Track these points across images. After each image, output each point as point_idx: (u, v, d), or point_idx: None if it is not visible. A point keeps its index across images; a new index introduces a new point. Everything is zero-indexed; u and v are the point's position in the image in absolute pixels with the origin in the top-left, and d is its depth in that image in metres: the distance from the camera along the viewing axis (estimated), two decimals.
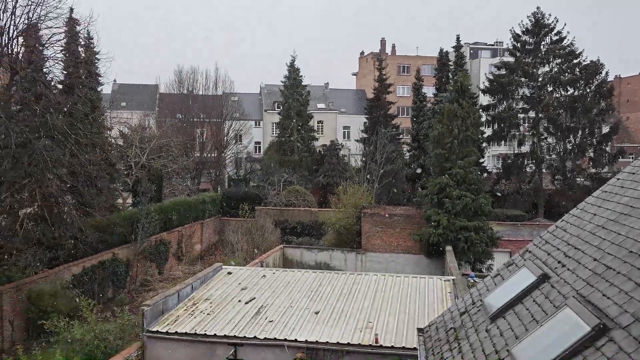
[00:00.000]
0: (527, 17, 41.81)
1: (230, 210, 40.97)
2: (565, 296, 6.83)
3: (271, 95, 66.47)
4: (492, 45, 78.31)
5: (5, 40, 19.49)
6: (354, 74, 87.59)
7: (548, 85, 41.60)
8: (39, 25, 20.63)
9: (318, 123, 61.99)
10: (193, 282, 17.26)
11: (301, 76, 50.59)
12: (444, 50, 43.97)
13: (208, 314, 15.00)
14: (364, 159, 42.75)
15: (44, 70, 22.54)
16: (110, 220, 27.34)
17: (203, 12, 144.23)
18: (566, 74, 40.73)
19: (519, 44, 42.47)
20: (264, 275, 18.73)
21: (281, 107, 52.18)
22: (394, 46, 79.10)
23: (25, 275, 20.97)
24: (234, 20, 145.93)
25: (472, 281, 20.86)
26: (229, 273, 18.92)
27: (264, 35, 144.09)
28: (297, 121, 49.93)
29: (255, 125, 64.88)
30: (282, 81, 51.13)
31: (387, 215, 31.28)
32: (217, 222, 40.52)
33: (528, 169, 43.07)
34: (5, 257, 21.20)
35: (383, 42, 78.36)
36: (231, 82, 59.87)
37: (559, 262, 8.01)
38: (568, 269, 7.53)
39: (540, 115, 41.47)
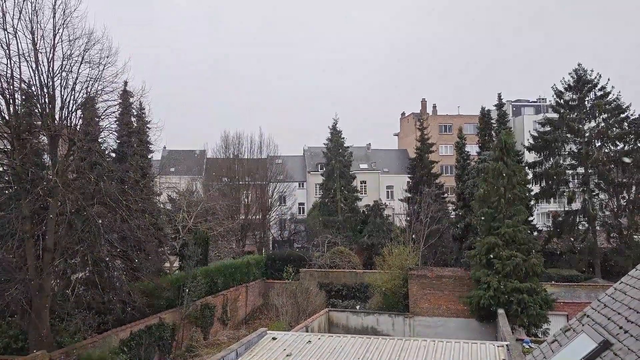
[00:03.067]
0: (569, 73, 41.48)
1: (274, 272, 40.82)
2: None
3: (314, 157, 67.53)
4: (534, 102, 77.98)
5: (65, 113, 20.70)
6: (395, 135, 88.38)
7: (596, 141, 40.66)
8: (96, 98, 21.84)
9: (361, 183, 62.31)
10: (238, 347, 17.07)
11: (343, 138, 51.42)
12: (486, 109, 43.96)
13: None
14: (408, 218, 42.29)
15: (99, 140, 23.70)
16: (158, 285, 27.63)
17: (245, 83, 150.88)
18: (614, 128, 39.81)
19: (562, 101, 42.00)
20: (309, 341, 18.35)
21: (324, 169, 52.80)
22: (434, 106, 79.75)
23: (75, 341, 21.19)
24: (277, 87, 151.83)
25: (528, 347, 19.83)
26: (274, 338, 18.66)
27: (306, 98, 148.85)
28: (340, 182, 50.32)
29: (299, 186, 65.71)
30: (324, 143, 52.04)
31: (434, 277, 30.48)
32: (262, 285, 40.36)
33: (581, 227, 41.46)
34: (57, 321, 21.59)
35: (424, 103, 79.18)
36: (275, 145, 61.16)
37: (620, 327, 7.56)
38: (631, 335, 7.09)
39: (589, 171, 40.32)
